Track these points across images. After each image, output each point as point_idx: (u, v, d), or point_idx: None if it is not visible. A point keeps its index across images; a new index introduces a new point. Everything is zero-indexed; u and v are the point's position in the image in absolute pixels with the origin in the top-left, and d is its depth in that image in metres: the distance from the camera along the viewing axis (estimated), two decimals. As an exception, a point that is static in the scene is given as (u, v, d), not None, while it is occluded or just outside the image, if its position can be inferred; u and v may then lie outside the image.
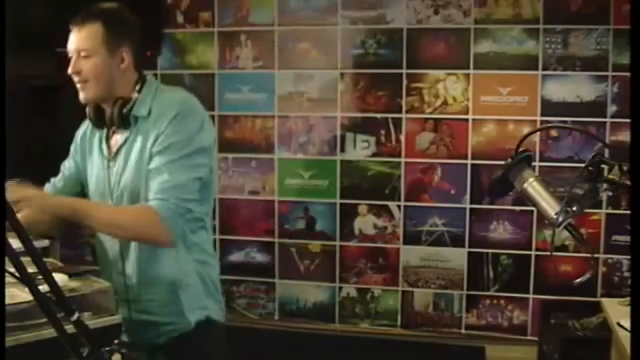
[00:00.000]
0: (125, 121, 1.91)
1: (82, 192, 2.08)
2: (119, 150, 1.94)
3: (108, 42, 1.87)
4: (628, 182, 1.35)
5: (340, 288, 4.17)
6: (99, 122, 1.98)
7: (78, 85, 1.91)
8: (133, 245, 1.93)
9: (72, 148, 2.14)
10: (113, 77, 1.90)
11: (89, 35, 1.87)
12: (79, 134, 2.12)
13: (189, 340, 1.97)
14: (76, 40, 1.88)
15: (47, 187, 2.14)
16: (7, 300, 1.43)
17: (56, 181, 2.14)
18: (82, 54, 1.87)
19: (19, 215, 1.64)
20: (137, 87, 1.94)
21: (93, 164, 2.02)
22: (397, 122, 4.00)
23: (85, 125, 2.10)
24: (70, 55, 1.90)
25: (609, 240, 3.81)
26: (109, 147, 1.98)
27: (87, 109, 1.98)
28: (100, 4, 1.94)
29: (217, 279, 2.08)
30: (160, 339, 1.96)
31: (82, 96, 1.92)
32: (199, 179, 1.88)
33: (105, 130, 2.00)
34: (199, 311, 1.98)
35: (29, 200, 1.73)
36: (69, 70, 1.89)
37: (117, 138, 1.96)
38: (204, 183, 1.91)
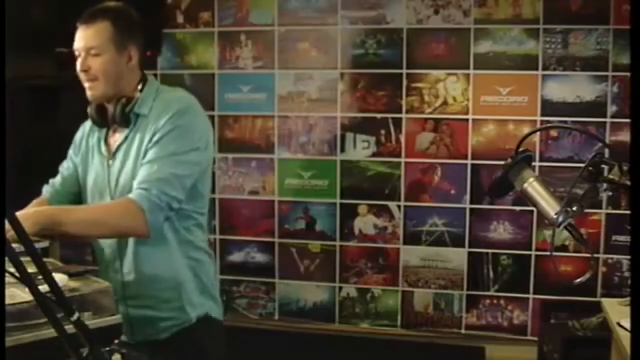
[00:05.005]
0: (126, 119, 1.92)
1: (79, 193, 2.08)
2: (118, 148, 1.95)
3: (117, 40, 1.88)
4: (628, 182, 1.35)
5: (340, 288, 4.17)
6: (101, 121, 1.97)
7: (86, 84, 1.90)
8: (130, 242, 1.91)
9: (70, 150, 2.13)
10: (121, 74, 1.91)
11: (98, 32, 1.86)
12: (77, 136, 2.12)
13: (190, 335, 1.98)
14: (84, 37, 1.87)
15: (46, 188, 2.14)
16: (7, 300, 1.43)
17: (55, 182, 2.14)
18: (92, 51, 1.86)
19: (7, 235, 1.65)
20: (140, 87, 1.95)
21: (93, 165, 2.02)
22: (397, 122, 4.00)
23: (84, 128, 2.10)
24: (77, 53, 1.89)
25: (609, 240, 3.81)
26: (107, 146, 1.98)
27: (89, 108, 1.98)
28: (106, 3, 1.94)
29: (213, 277, 2.07)
30: (161, 334, 1.97)
31: (89, 94, 1.91)
32: (189, 176, 1.87)
33: (105, 130, 2.00)
34: (198, 307, 1.99)
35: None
36: (78, 68, 1.88)
37: (117, 137, 1.96)
38: (196, 181, 1.90)
